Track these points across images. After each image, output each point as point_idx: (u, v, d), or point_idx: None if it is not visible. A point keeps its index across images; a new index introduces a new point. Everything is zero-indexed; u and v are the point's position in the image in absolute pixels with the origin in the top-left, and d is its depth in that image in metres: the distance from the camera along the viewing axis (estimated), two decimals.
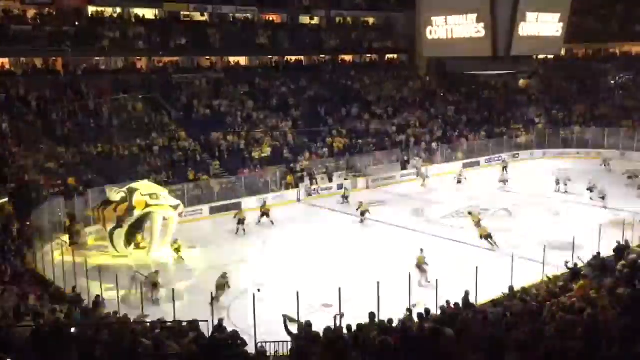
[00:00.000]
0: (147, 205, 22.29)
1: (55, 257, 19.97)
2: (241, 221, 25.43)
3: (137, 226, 23.06)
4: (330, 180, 33.83)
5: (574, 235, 18.83)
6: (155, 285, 18.37)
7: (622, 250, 15.87)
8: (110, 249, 22.81)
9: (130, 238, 22.93)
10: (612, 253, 16.14)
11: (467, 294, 15.18)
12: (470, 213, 24.96)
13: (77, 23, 36.78)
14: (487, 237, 22.20)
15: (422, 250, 19.71)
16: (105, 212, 22.74)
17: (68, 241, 23.41)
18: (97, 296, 15.78)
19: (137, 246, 23.38)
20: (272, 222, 26.66)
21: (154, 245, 22.81)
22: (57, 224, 23.98)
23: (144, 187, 23.13)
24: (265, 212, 26.89)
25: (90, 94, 33.77)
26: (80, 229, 24.26)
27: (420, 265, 19.05)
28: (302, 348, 7.58)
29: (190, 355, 7.80)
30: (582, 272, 14.88)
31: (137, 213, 22.37)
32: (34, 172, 26.47)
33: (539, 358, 5.09)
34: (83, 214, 25.16)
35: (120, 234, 22.48)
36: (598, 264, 14.83)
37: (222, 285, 17.77)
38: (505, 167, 35.13)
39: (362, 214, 26.68)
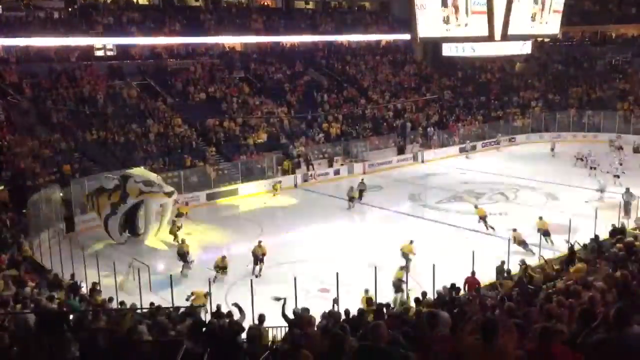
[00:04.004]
0: (141, 193, 22.20)
1: (52, 244, 19.99)
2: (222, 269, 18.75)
3: (132, 213, 23.01)
4: (331, 165, 33.84)
5: (570, 218, 18.96)
6: (182, 256, 19.09)
7: (618, 233, 15.97)
8: (105, 236, 22.80)
9: (125, 225, 22.93)
10: (608, 236, 16.25)
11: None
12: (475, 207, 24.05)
13: (70, 9, 36.45)
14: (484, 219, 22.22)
15: (411, 241, 18.91)
16: (99, 199, 22.69)
17: (64, 228, 23.39)
18: (94, 283, 15.80)
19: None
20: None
21: (148, 232, 22.79)
22: (53, 211, 23.93)
23: (138, 174, 23.05)
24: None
25: (84, 80, 33.57)
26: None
27: (407, 255, 18.43)
28: (298, 333, 7.61)
29: (188, 341, 7.82)
30: (578, 255, 14.98)
31: (131, 200, 22.33)
32: (29, 159, 26.35)
33: (534, 340, 5.11)
34: (79, 201, 25.11)
35: (115, 221, 22.45)
36: (594, 246, 14.91)
37: None
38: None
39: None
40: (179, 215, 24.73)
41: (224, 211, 27.37)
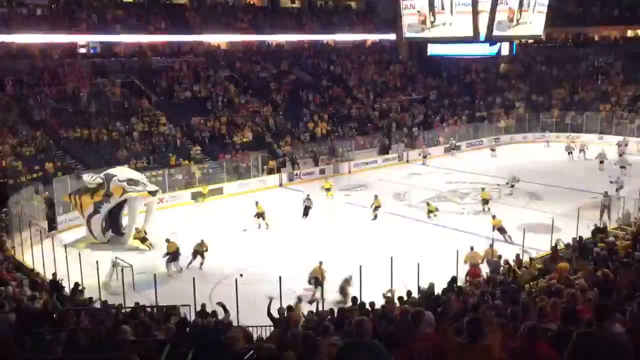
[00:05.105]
0: (124, 192, 21.98)
1: (34, 243, 19.76)
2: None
3: (115, 212, 22.81)
4: (317, 164, 33.80)
5: (552, 217, 19.13)
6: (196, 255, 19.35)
7: (599, 232, 16.16)
8: (88, 235, 22.59)
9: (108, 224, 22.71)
10: (590, 235, 16.42)
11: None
12: (427, 204, 24.93)
13: (53, 6, 36.09)
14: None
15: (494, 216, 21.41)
16: (82, 198, 22.45)
17: (47, 227, 23.13)
18: (76, 283, 15.63)
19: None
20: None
21: (132, 232, 22.60)
22: (35, 210, 23.65)
23: (122, 173, 22.84)
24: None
25: (67, 78, 33.22)
26: None
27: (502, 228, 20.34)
28: (282, 333, 7.62)
29: (172, 340, 7.77)
30: (561, 255, 15.13)
31: (114, 199, 22.14)
32: (10, 157, 26.05)
33: (517, 338, 5.15)
34: (61, 200, 24.84)
35: (98, 220, 22.25)
36: (577, 246, 15.06)
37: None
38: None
39: None
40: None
41: (208, 210, 27.23)
